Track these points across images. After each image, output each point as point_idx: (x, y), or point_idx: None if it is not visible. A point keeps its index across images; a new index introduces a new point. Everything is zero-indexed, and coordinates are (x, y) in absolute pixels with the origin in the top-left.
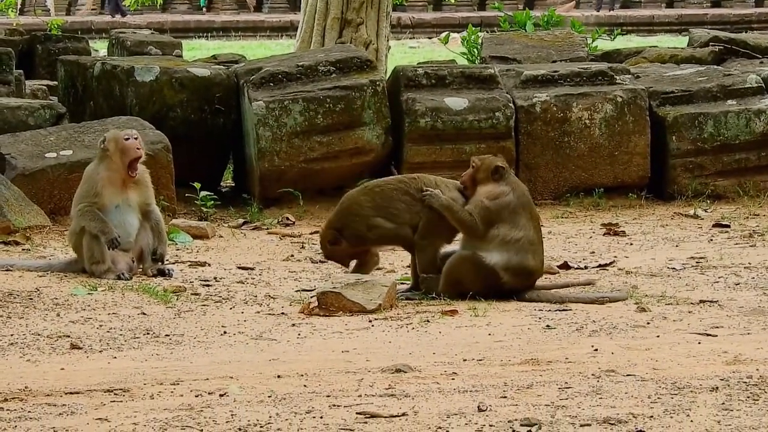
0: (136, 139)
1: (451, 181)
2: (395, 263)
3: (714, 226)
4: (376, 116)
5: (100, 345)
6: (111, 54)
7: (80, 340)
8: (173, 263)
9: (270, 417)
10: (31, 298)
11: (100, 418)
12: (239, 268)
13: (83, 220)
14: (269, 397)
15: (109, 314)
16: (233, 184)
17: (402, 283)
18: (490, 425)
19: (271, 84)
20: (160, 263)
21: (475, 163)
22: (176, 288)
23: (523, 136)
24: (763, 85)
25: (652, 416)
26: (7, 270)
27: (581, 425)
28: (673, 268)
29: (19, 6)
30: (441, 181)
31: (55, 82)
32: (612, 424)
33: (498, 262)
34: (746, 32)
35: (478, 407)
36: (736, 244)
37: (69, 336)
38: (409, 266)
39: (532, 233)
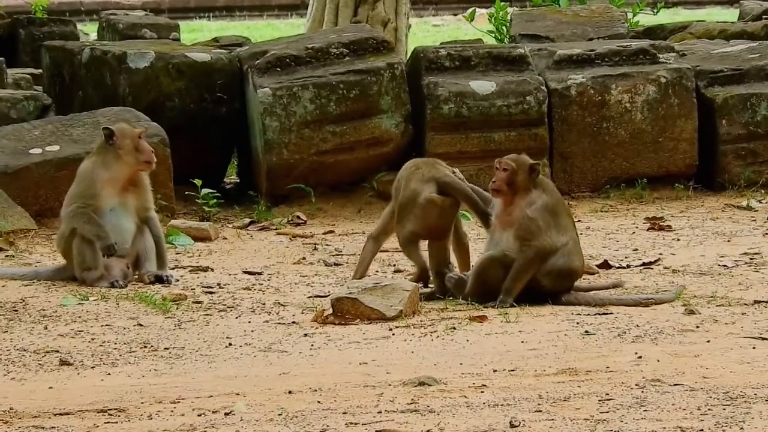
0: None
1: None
2: (406, 266)
3: None
4: (395, 103)
5: (92, 360)
6: (101, 38)
7: (70, 356)
8: (173, 268)
9: None
10: (15, 310)
11: None
12: (245, 272)
13: (76, 222)
14: (279, 415)
15: (102, 326)
16: (238, 181)
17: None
18: None
19: (279, 69)
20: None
21: (509, 165)
22: (176, 296)
23: (557, 123)
24: None
25: (702, 429)
26: None
27: None
28: (725, 266)
29: None
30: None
31: (40, 71)
32: None
33: (543, 266)
34: None
35: (510, 423)
36: None
37: (58, 351)
38: None
39: (574, 232)
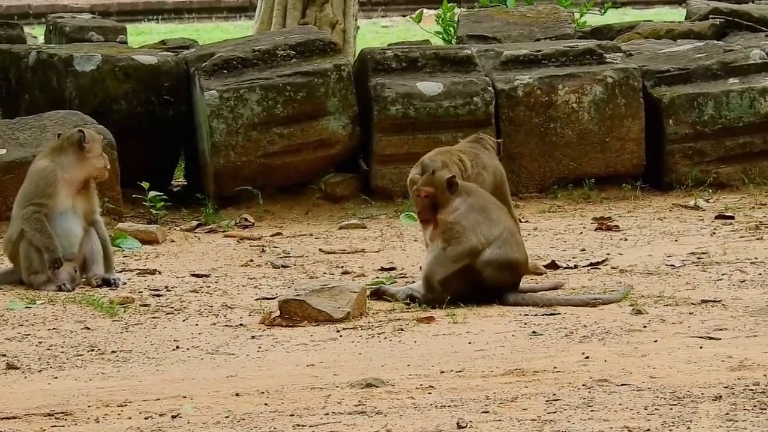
0: None
1: None
2: (365, 266)
3: (717, 217)
4: (342, 104)
5: (39, 364)
6: (48, 41)
7: (17, 359)
8: (120, 272)
9: None
10: None
11: None
12: (193, 275)
13: (27, 226)
14: (227, 417)
15: (49, 330)
16: (185, 183)
17: (371, 288)
18: None
19: (225, 71)
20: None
21: (429, 192)
22: (123, 299)
23: (504, 123)
24: None
25: (649, 429)
26: None
27: None
28: (672, 266)
29: None
30: None
31: None
32: None
33: (481, 258)
34: (750, 2)
35: (458, 424)
36: (742, 237)
37: (5, 355)
38: (381, 269)
39: (510, 223)
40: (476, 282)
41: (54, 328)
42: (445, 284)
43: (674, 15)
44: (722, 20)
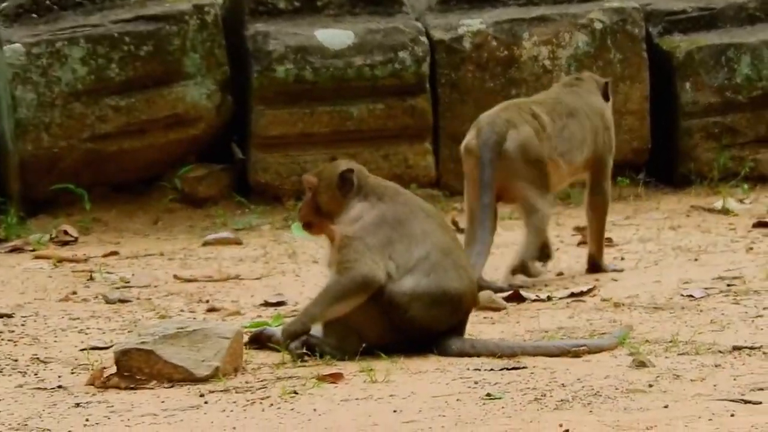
0: None
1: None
2: (241, 300)
3: (756, 225)
4: (206, 63)
5: None
6: None
7: None
8: None
9: None
10: None
11: None
12: None
13: None
14: None
15: None
16: None
17: (250, 332)
18: None
19: (35, 15)
20: None
21: (311, 182)
22: None
23: (443, 89)
24: None
25: None
26: None
27: None
28: (691, 296)
29: None
30: None
31: None
32: None
33: (399, 289)
34: None
35: None
36: None
37: None
38: (264, 304)
39: (446, 239)
40: (401, 324)
41: None
42: (349, 328)
43: None
44: None
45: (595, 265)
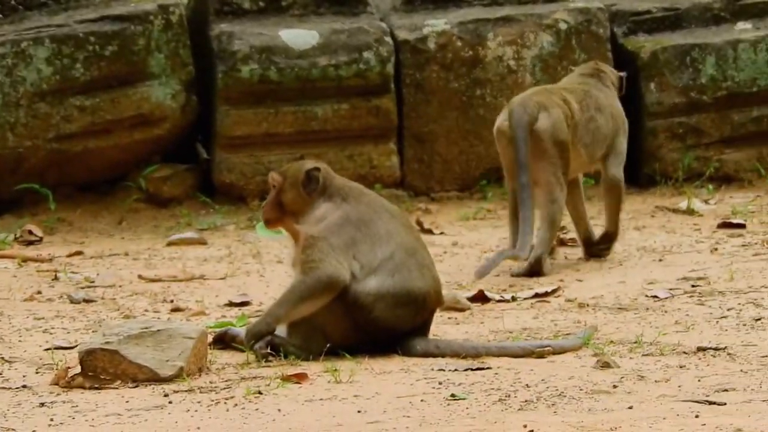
0: None
1: None
2: (206, 300)
3: (720, 226)
4: (171, 63)
5: None
6: None
7: None
8: None
9: None
10: None
11: None
12: None
13: None
14: None
15: None
16: None
17: (214, 332)
18: None
19: (0, 15)
20: None
21: (275, 180)
22: None
23: (408, 90)
24: None
25: None
26: None
27: None
28: (655, 297)
29: None
30: None
31: None
32: None
33: (363, 289)
34: None
35: None
36: (756, 254)
37: None
38: (229, 304)
39: (409, 239)
40: (365, 324)
41: None
42: (313, 328)
43: None
44: None
45: (610, 239)
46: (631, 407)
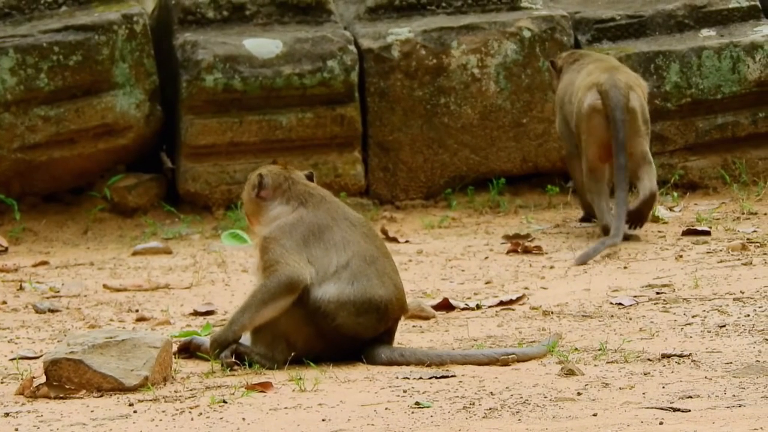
0: None
1: None
2: (171, 309)
3: (685, 233)
4: (135, 73)
5: None
6: None
7: None
8: None
9: None
10: None
11: None
12: None
13: None
14: None
15: None
16: None
17: (179, 341)
18: None
19: None
20: None
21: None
22: None
23: (372, 98)
24: (758, 3)
25: None
26: None
27: None
28: (620, 304)
29: None
30: None
31: None
32: None
33: (324, 296)
34: None
35: None
36: (721, 261)
37: None
38: (194, 314)
39: (368, 247)
40: (328, 332)
41: None
42: (278, 337)
43: None
44: None
45: (641, 218)
46: (595, 414)
